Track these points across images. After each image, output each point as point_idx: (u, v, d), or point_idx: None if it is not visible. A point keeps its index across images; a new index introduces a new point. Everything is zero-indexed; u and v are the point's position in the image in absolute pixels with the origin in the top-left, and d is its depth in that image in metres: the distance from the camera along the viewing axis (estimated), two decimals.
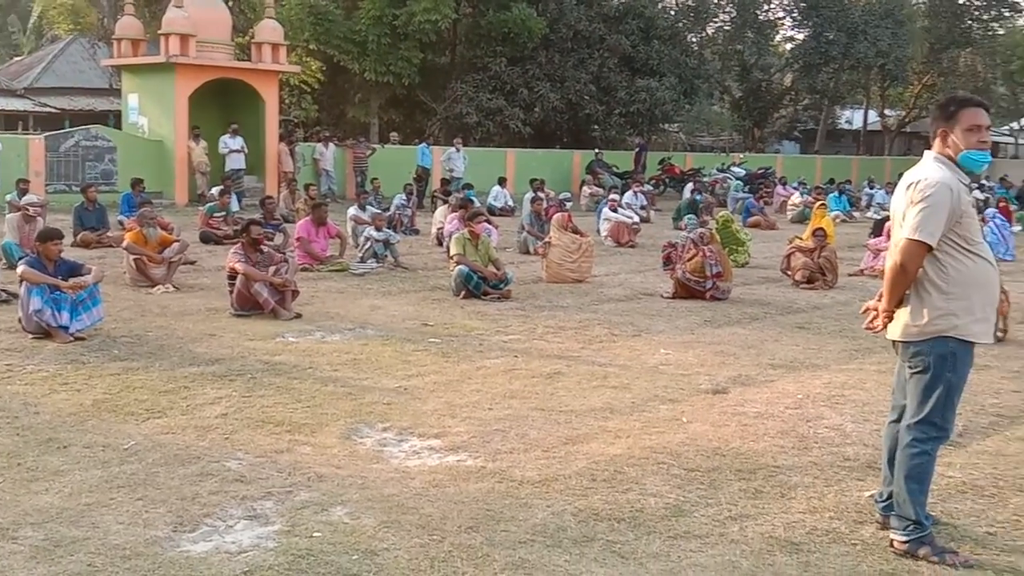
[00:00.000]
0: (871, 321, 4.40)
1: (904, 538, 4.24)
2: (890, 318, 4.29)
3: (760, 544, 4.35)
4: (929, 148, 4.33)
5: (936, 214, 4.07)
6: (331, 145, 24.94)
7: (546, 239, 12.95)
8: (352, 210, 15.86)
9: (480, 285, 10.92)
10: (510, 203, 23.08)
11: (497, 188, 23.42)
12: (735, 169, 31.41)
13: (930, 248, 4.10)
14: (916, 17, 46.34)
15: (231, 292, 9.67)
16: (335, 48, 29.04)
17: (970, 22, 47.06)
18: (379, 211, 15.24)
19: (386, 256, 13.26)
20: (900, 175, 4.40)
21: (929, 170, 4.21)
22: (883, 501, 4.54)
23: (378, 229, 13.44)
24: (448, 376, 7.34)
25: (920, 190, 4.13)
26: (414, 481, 5.04)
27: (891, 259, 4.27)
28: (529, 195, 18.10)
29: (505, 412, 6.38)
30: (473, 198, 17.90)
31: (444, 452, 5.55)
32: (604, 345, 8.70)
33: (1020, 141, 54.78)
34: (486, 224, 12.52)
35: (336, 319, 9.53)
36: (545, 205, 16.58)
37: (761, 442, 5.88)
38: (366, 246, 13.27)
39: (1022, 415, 6.69)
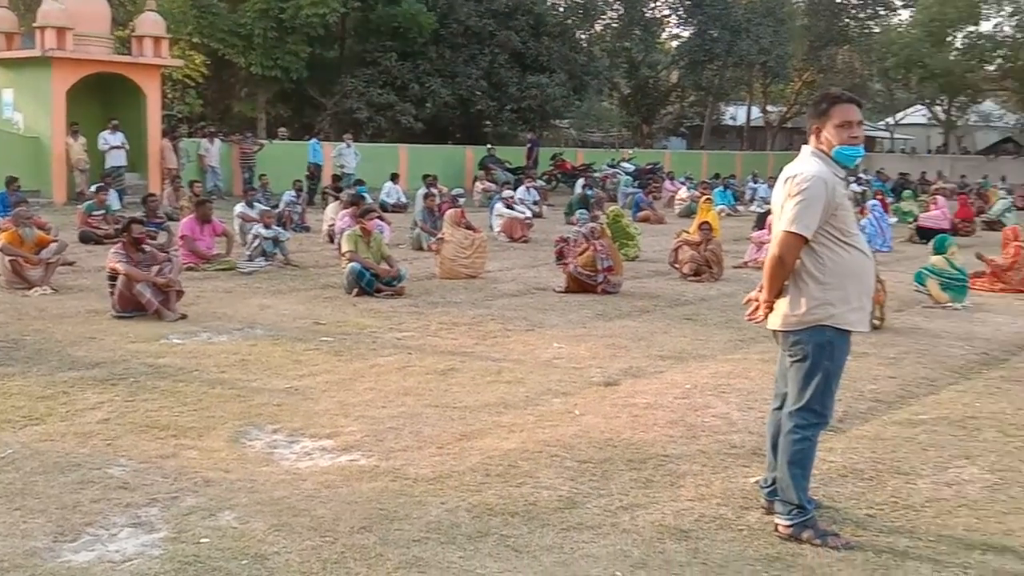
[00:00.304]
0: (753, 312, 4.51)
1: (788, 522, 4.37)
2: (771, 309, 4.41)
3: (651, 533, 4.42)
4: (807, 143, 4.47)
5: (812, 207, 4.19)
6: (216, 141, 24.37)
7: (439, 235, 12.92)
8: (239, 207, 15.53)
9: (373, 282, 10.82)
10: (403, 199, 22.93)
11: (389, 184, 23.25)
12: (625, 165, 31.90)
13: (807, 240, 4.22)
14: (796, 15, 47.86)
15: (112, 293, 9.35)
16: (219, 42, 28.35)
17: (847, 20, 48.86)
18: (268, 208, 14.96)
19: (275, 254, 13.02)
20: (782, 169, 4.52)
21: (805, 164, 4.33)
22: (768, 487, 4.67)
23: (267, 227, 13.19)
24: (340, 375, 7.25)
25: (797, 184, 4.25)
26: (305, 483, 4.96)
27: (770, 251, 4.39)
28: (422, 191, 18.02)
29: (399, 410, 6.34)
30: (365, 194, 17.75)
31: (336, 452, 5.48)
32: (498, 340, 8.73)
33: (895, 135, 57.13)
34: (378, 221, 12.42)
35: (223, 319, 9.32)
36: (438, 201, 16.54)
37: (651, 432, 5.98)
38: (254, 244, 13.00)
39: (899, 400, 6.97)
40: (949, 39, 48.96)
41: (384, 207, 20.54)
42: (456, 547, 4.20)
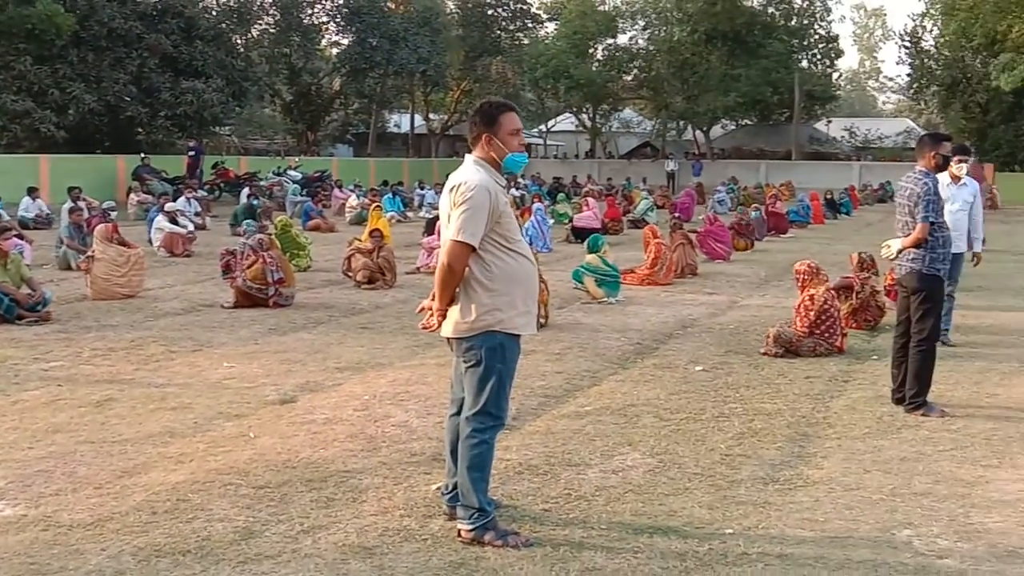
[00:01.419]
0: (427, 320, 4.51)
1: (470, 526, 4.40)
2: (444, 316, 4.42)
3: (334, 554, 4.27)
4: (470, 152, 4.52)
5: (477, 216, 4.26)
6: None
7: (89, 252, 11.90)
8: None
9: (12, 309, 9.74)
10: (46, 214, 20.99)
11: (28, 199, 21.17)
12: (292, 173, 31.33)
13: (474, 248, 4.28)
14: (451, 26, 49.37)
15: None
16: None
17: (499, 32, 51.16)
18: None
19: None
20: (447, 176, 4.55)
21: (469, 174, 4.39)
22: (449, 493, 4.68)
23: None
24: None
25: (461, 193, 4.30)
26: None
27: (440, 261, 4.41)
28: (67, 205, 16.56)
29: (48, 449, 5.72)
30: (1, 211, 16.05)
31: None
32: (161, 364, 8.16)
33: (548, 142, 60.60)
34: (16, 240, 11.25)
35: None
36: (86, 215, 15.29)
37: (331, 448, 5.83)
38: None
39: (566, 394, 7.30)
40: (591, 51, 52.66)
41: (24, 224, 18.70)
42: None
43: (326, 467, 5.47)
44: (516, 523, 4.63)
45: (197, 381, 7.55)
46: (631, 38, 53.96)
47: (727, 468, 5.56)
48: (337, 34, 47.14)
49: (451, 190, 4.39)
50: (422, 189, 30.15)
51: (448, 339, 4.52)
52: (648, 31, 52.46)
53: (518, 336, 4.46)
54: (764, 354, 8.71)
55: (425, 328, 4.60)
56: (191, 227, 17.92)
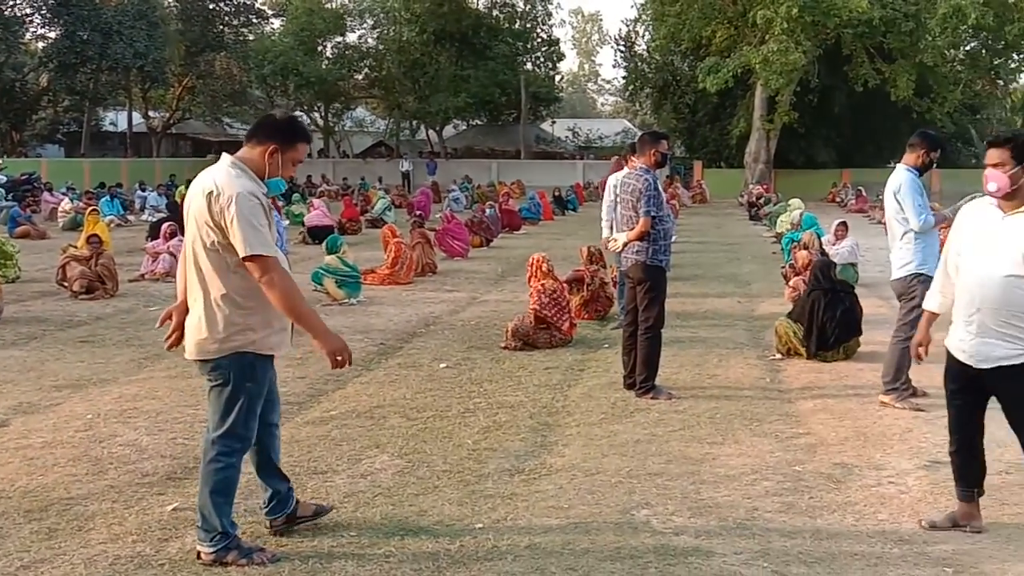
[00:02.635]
0: (169, 336, 4.25)
1: (211, 549, 4.16)
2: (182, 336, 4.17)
3: None
4: (225, 151, 4.23)
5: (253, 222, 3.93)
6: None
7: None
8: None
9: None
10: None
11: None
12: None
13: (269, 257, 3.97)
14: (170, 20, 47.00)
15: None
16: None
17: (222, 27, 49.23)
18: None
19: None
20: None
21: (228, 178, 4.02)
22: (267, 506, 4.52)
23: None
24: None
25: (234, 202, 3.93)
26: None
27: (264, 284, 3.99)
28: None
29: None
30: None
31: None
32: None
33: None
34: None
35: None
36: None
37: (51, 474, 5.34)
38: None
39: (309, 400, 7.11)
40: (320, 49, 51.86)
41: None
42: None
43: (46, 495, 5.01)
44: (261, 539, 4.44)
45: None
46: (360, 37, 53.68)
47: (475, 463, 5.61)
48: (43, 27, 43.70)
49: (209, 195, 3.98)
50: (144, 191, 28.42)
51: (194, 360, 4.19)
52: (377, 30, 52.37)
53: (271, 356, 4.24)
54: (504, 348, 8.90)
55: (170, 348, 4.28)
56: None
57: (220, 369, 4.10)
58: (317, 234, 18.10)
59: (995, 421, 4.60)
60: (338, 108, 54.76)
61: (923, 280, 6.36)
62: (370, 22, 52.50)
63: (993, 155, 4.37)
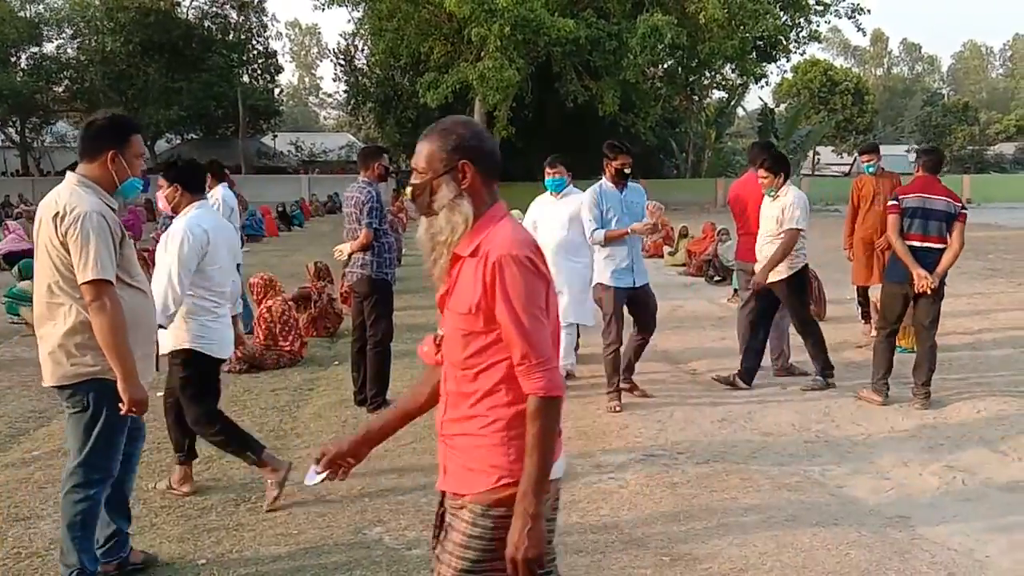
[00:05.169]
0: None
1: None
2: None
3: None
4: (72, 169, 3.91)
5: (100, 244, 3.69)
6: None
7: None
8: None
9: None
10: None
11: None
12: None
13: (111, 283, 3.72)
14: None
15: None
16: None
17: None
18: None
19: None
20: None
21: (74, 198, 3.76)
22: (103, 546, 4.17)
23: None
24: None
25: (79, 221, 3.69)
26: None
27: (99, 299, 3.70)
28: None
29: None
30: None
31: None
32: None
33: None
34: None
35: None
36: None
37: None
38: None
39: (8, 440, 6.52)
40: (14, 59, 47.98)
41: None
42: None
43: None
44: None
45: None
46: (59, 47, 50.11)
47: (197, 496, 5.33)
48: None
49: (54, 216, 3.72)
50: None
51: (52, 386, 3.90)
52: (77, 40, 49.09)
53: None
54: (229, 371, 8.54)
55: None
56: None
57: (79, 395, 3.84)
58: (14, 260, 16.58)
59: None
60: (36, 123, 50.89)
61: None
62: (69, 31, 49.16)
63: None
